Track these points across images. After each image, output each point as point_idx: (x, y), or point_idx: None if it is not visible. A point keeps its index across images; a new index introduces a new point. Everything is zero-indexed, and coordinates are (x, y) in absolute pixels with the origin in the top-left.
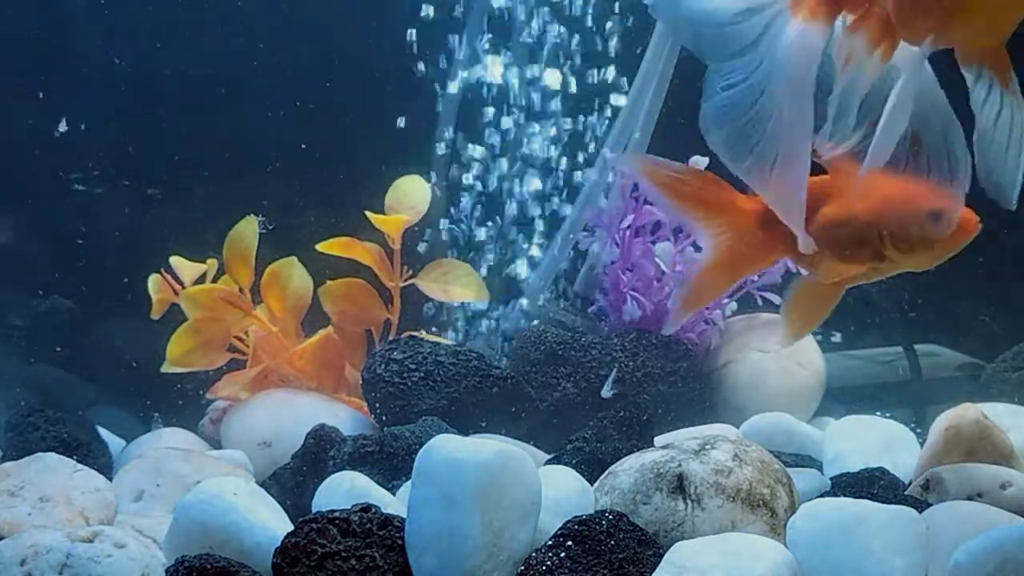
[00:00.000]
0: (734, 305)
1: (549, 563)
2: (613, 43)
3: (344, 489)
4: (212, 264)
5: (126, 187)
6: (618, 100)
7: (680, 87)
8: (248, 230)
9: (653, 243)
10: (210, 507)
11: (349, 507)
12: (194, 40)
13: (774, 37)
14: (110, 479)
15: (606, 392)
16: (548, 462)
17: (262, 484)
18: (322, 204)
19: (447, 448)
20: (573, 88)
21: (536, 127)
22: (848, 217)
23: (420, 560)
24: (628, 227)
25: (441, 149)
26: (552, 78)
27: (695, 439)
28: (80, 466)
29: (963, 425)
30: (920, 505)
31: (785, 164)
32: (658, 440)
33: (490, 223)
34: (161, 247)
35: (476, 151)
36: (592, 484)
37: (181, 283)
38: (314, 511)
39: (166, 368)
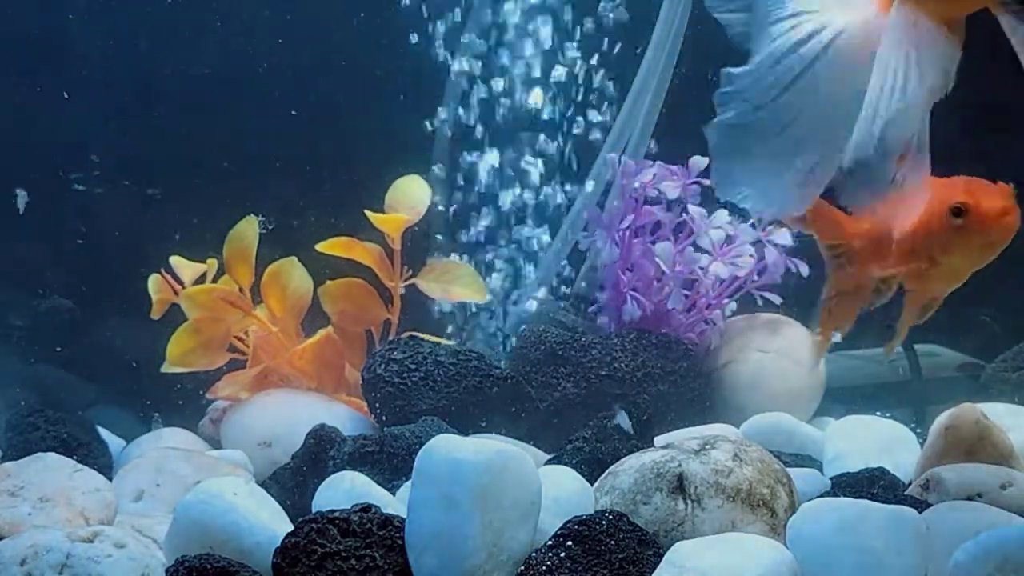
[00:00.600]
0: (734, 305)
1: (549, 563)
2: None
3: (344, 489)
4: (212, 264)
5: (126, 187)
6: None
7: (680, 87)
8: (248, 230)
9: (653, 243)
10: (210, 507)
11: (349, 507)
12: (194, 40)
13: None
14: (110, 479)
15: (624, 424)
16: (548, 462)
17: (262, 484)
18: (322, 204)
19: (447, 448)
20: (573, 86)
21: (537, 127)
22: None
23: (420, 560)
24: (628, 227)
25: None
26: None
27: (695, 439)
28: (80, 466)
29: (963, 425)
30: (920, 505)
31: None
32: (658, 440)
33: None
34: (161, 247)
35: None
36: (592, 484)
37: (181, 283)
38: (314, 511)
39: (166, 368)
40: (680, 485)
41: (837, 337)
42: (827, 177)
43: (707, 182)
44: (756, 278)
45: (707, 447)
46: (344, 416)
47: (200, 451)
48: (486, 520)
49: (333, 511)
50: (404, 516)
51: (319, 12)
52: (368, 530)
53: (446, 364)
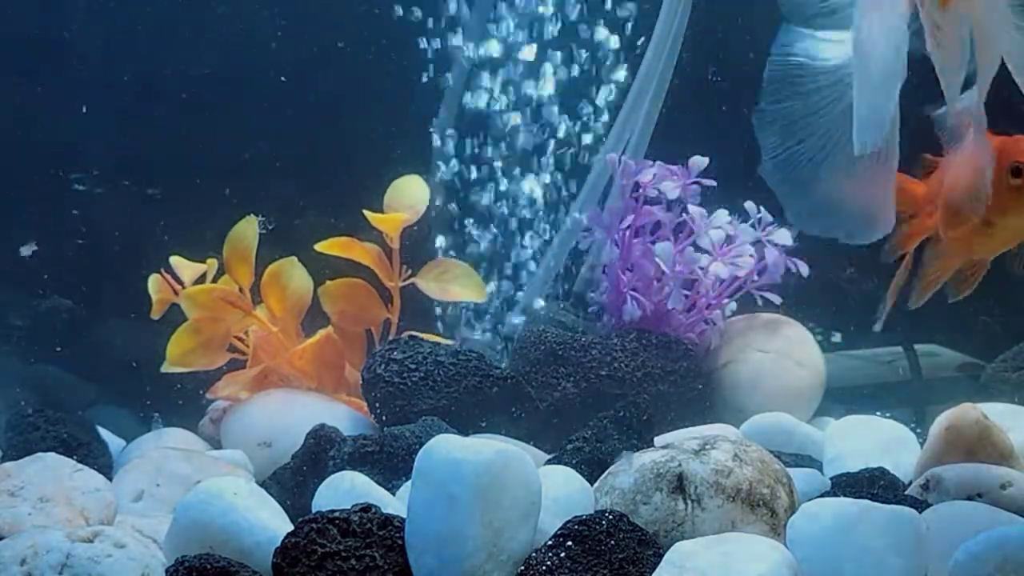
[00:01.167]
0: (734, 305)
1: (549, 563)
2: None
3: (344, 489)
4: (212, 264)
5: (126, 187)
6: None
7: (680, 86)
8: (248, 230)
9: (653, 243)
10: (210, 507)
11: (349, 507)
12: (194, 40)
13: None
14: (110, 479)
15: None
16: (548, 462)
17: (262, 484)
18: (322, 204)
19: (447, 448)
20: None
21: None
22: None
23: (420, 560)
24: (628, 227)
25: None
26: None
27: (695, 439)
28: (80, 466)
29: (963, 425)
30: (920, 505)
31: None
32: (658, 440)
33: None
34: (161, 247)
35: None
36: (592, 484)
37: (181, 283)
38: (314, 511)
39: (166, 368)
40: (680, 485)
41: (837, 337)
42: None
43: (708, 182)
44: (756, 278)
45: (707, 447)
46: (344, 416)
47: (200, 451)
48: (486, 520)
49: (333, 511)
50: (404, 516)
51: (319, 12)
52: (368, 530)
53: (446, 364)
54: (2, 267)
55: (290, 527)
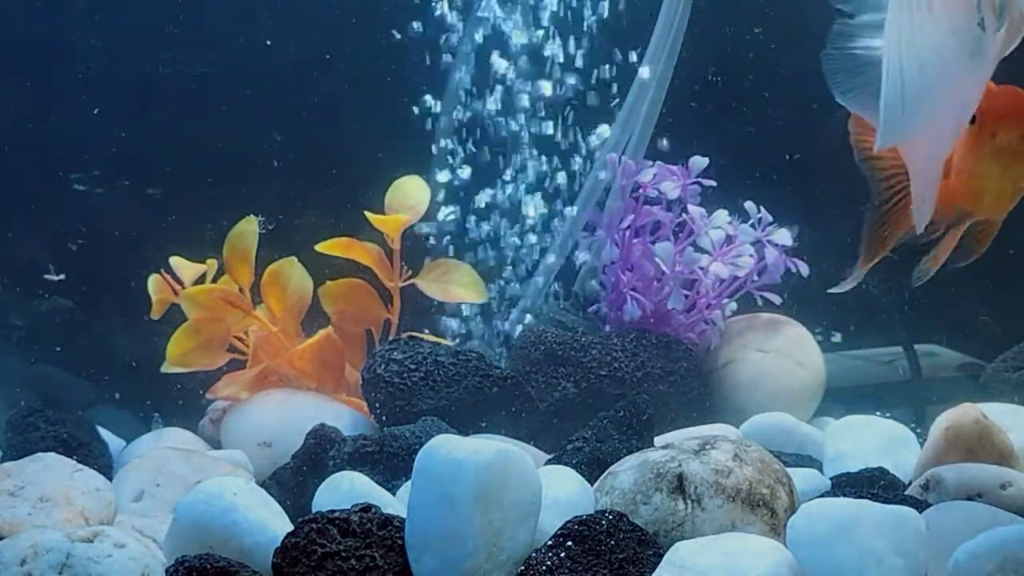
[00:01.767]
0: (734, 305)
1: (549, 563)
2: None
3: (344, 489)
4: (212, 264)
5: (126, 187)
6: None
7: (680, 86)
8: (248, 230)
9: (653, 243)
10: (210, 507)
11: (349, 507)
12: (194, 40)
13: None
14: (110, 479)
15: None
16: (548, 462)
17: (262, 484)
18: (322, 204)
19: (447, 448)
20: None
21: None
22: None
23: (420, 560)
24: (628, 227)
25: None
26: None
27: (695, 439)
28: (80, 466)
29: (963, 425)
30: (920, 505)
31: None
32: (658, 440)
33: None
34: (161, 247)
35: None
36: (592, 484)
37: (181, 283)
38: (314, 511)
39: (166, 368)
40: (680, 485)
41: (837, 337)
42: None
43: (708, 182)
44: (756, 278)
45: (707, 447)
46: (344, 416)
47: (200, 451)
48: (486, 520)
49: (333, 511)
50: (404, 516)
51: (320, 12)
52: (368, 530)
53: (446, 364)
54: (2, 267)
55: (290, 527)
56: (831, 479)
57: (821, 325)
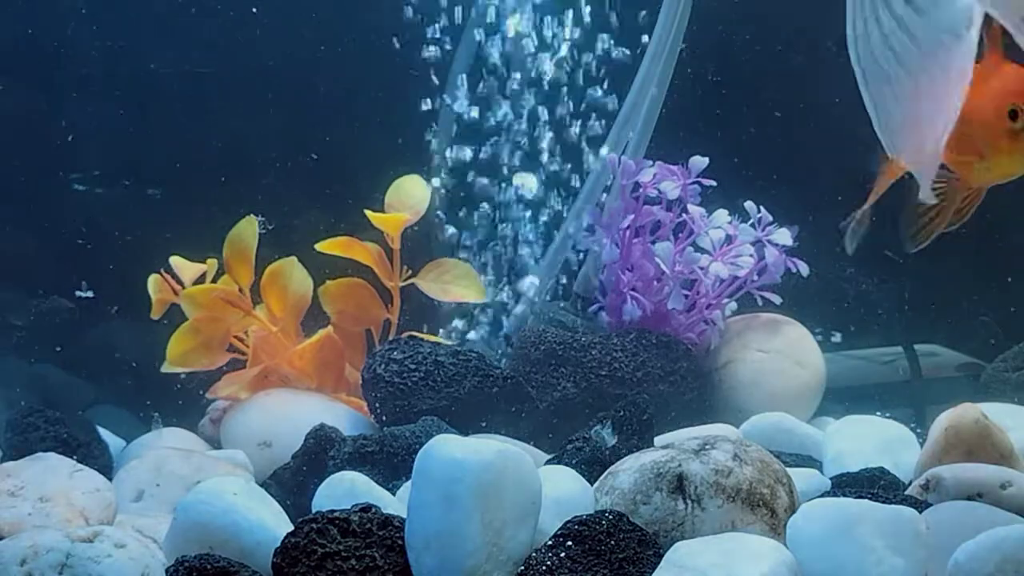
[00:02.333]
0: (734, 305)
1: (549, 563)
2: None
3: (344, 489)
4: (212, 264)
5: (126, 187)
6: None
7: (681, 86)
8: (248, 230)
9: (653, 243)
10: (210, 507)
11: (349, 507)
12: (194, 39)
13: None
14: (110, 479)
15: (606, 438)
16: (548, 462)
17: (262, 484)
18: (322, 204)
19: (447, 448)
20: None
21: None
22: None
23: (420, 560)
24: (628, 227)
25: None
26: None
27: (695, 439)
28: (80, 466)
29: (963, 425)
30: (920, 505)
31: None
32: (658, 440)
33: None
34: (161, 247)
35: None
36: (592, 484)
37: (181, 283)
38: (314, 511)
39: (166, 368)
40: (680, 485)
41: (837, 337)
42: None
43: (708, 182)
44: (756, 278)
45: (707, 447)
46: (344, 416)
47: (200, 451)
48: (486, 520)
49: (333, 511)
50: (404, 516)
51: (320, 11)
52: (368, 530)
53: (446, 364)
54: (2, 267)
55: (290, 527)
56: (831, 479)
57: (821, 325)
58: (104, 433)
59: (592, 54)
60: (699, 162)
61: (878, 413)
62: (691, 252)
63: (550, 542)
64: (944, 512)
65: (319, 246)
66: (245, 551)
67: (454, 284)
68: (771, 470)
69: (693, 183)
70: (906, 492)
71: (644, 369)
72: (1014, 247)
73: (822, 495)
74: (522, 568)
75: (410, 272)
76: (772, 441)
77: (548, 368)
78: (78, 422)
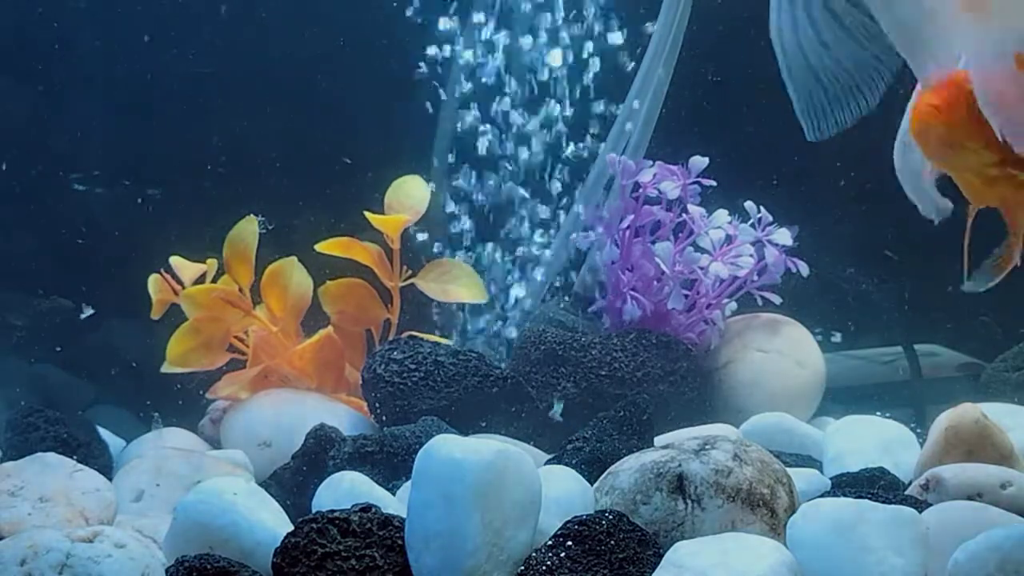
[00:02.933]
0: (734, 305)
1: (549, 563)
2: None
3: (344, 489)
4: (212, 264)
5: (126, 187)
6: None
7: (681, 86)
8: (248, 230)
9: (653, 243)
10: (210, 507)
11: (349, 507)
12: (194, 39)
13: None
14: (110, 479)
15: (555, 414)
16: (548, 462)
17: (262, 484)
18: (322, 204)
19: (447, 448)
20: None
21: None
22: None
23: (420, 560)
24: (628, 227)
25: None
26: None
27: (695, 439)
28: (80, 466)
29: (963, 425)
30: (920, 505)
31: None
32: (658, 440)
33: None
34: (161, 247)
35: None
36: (592, 484)
37: (181, 283)
38: (314, 511)
39: (166, 368)
40: (680, 485)
41: (837, 337)
42: None
43: (708, 182)
44: (756, 278)
45: (707, 447)
46: (344, 416)
47: (200, 451)
48: (486, 520)
49: (333, 511)
50: (404, 516)
51: (320, 11)
52: (368, 530)
53: (446, 364)
54: (2, 267)
55: (290, 527)
56: (831, 479)
57: (821, 325)
58: (104, 433)
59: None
60: (699, 162)
61: (878, 413)
62: (691, 252)
63: (550, 542)
64: (944, 512)
65: (319, 246)
66: (245, 551)
67: (454, 284)
68: (771, 470)
69: (693, 183)
70: (906, 492)
71: (644, 369)
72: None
73: (822, 495)
74: (522, 568)
75: (410, 272)
76: (772, 441)
77: (548, 368)
78: (78, 422)
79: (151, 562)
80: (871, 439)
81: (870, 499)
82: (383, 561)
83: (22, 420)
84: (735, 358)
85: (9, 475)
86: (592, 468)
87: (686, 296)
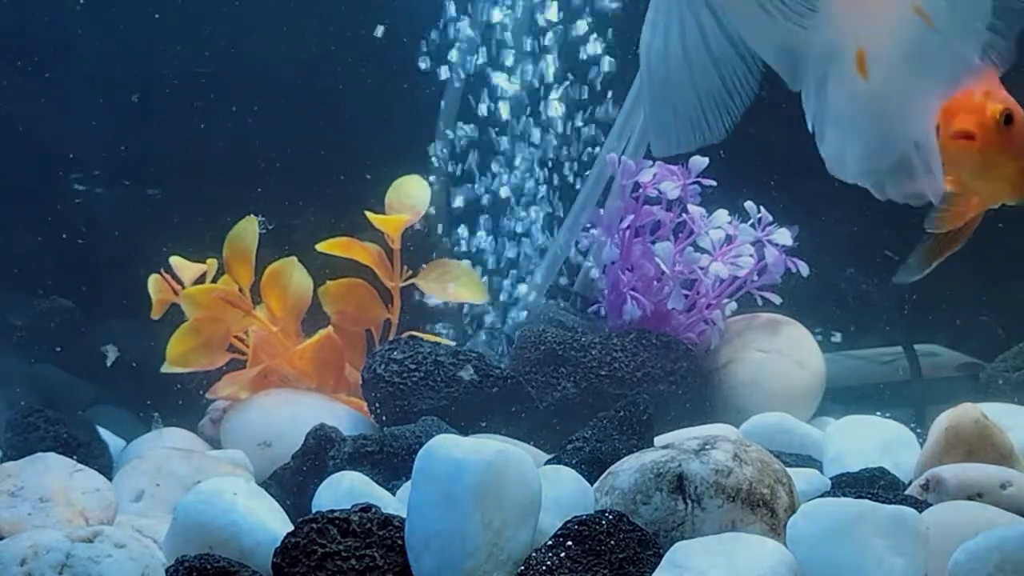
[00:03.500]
0: (734, 305)
1: (549, 563)
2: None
3: (344, 489)
4: (212, 264)
5: (126, 187)
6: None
7: None
8: (248, 230)
9: (653, 243)
10: (210, 507)
11: (349, 507)
12: (194, 39)
13: None
14: (110, 479)
15: (467, 375)
16: (548, 462)
17: (262, 484)
18: (322, 204)
19: (447, 448)
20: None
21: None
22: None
23: (420, 560)
24: (628, 227)
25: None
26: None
27: (695, 439)
28: (80, 466)
29: (963, 425)
30: (920, 505)
31: None
32: (658, 440)
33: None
34: (161, 247)
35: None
36: (592, 484)
37: (181, 283)
38: (314, 511)
39: (166, 368)
40: (680, 485)
41: (837, 337)
42: None
43: (708, 182)
44: (756, 278)
45: (707, 447)
46: (344, 416)
47: (200, 451)
48: (486, 520)
49: (333, 511)
50: (404, 516)
51: (320, 11)
52: (368, 530)
53: (446, 364)
54: (2, 267)
55: (290, 527)
56: (831, 479)
57: (821, 325)
58: (104, 433)
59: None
60: (699, 162)
61: (878, 413)
62: (691, 252)
63: (550, 542)
64: (944, 512)
65: (319, 246)
66: (245, 551)
67: (454, 284)
68: (771, 470)
69: (693, 183)
70: (906, 492)
71: (644, 369)
72: (1014, 247)
73: (822, 495)
74: (522, 568)
75: (410, 272)
76: (772, 441)
77: (548, 368)
78: (78, 422)
79: (151, 562)
80: (871, 439)
81: (870, 499)
82: (383, 561)
83: (22, 420)
84: (735, 358)
85: (9, 475)
86: (592, 468)
87: (686, 296)
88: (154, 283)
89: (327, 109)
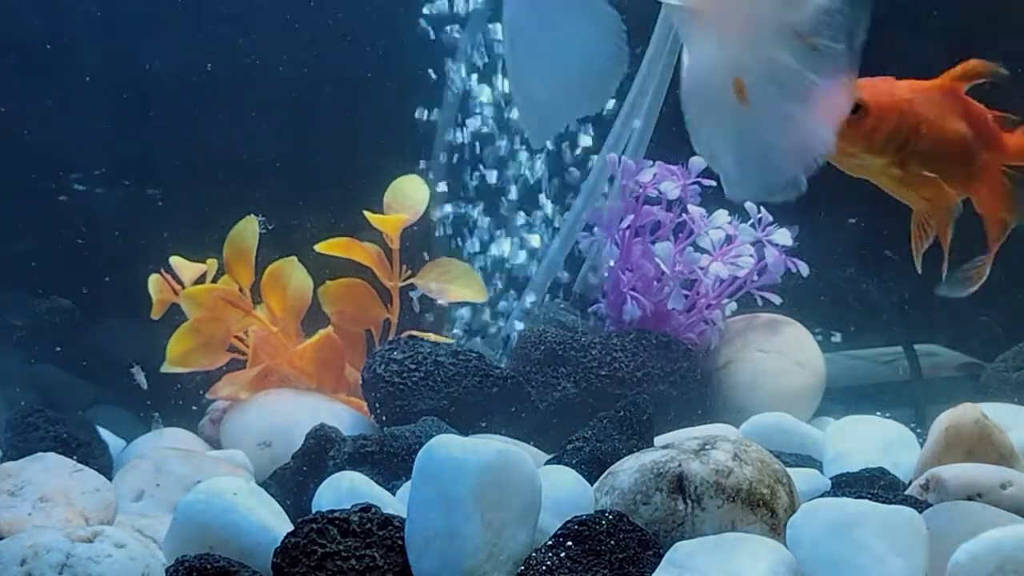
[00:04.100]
0: (734, 305)
1: (549, 563)
2: None
3: (344, 489)
4: (212, 264)
5: (126, 187)
6: None
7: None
8: (248, 230)
9: (653, 243)
10: (210, 507)
11: (349, 507)
12: (194, 39)
13: None
14: (110, 479)
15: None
16: (548, 462)
17: (262, 484)
18: (322, 204)
19: (447, 448)
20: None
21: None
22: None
23: (420, 560)
24: (628, 227)
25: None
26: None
27: (695, 439)
28: (80, 466)
29: (963, 425)
30: (920, 505)
31: None
32: (658, 440)
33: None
34: (161, 247)
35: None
36: (592, 484)
37: (181, 283)
38: (314, 511)
39: (166, 368)
40: (680, 485)
41: (837, 337)
42: None
43: (708, 182)
44: (756, 278)
45: (707, 447)
46: (344, 416)
47: (200, 451)
48: (486, 520)
49: (333, 511)
50: (404, 516)
51: (319, 12)
52: (368, 530)
53: (446, 364)
54: (2, 267)
55: (290, 527)
56: (831, 479)
57: (821, 325)
58: (104, 433)
59: None
60: (699, 162)
61: (878, 413)
62: (691, 252)
63: (550, 542)
64: (944, 512)
65: (319, 246)
66: (245, 551)
67: (453, 283)
68: (771, 470)
69: (693, 183)
70: (906, 492)
71: (644, 369)
72: (1014, 247)
73: (822, 495)
74: (522, 568)
75: (410, 272)
76: (772, 441)
77: (548, 368)
78: (78, 422)
79: (151, 562)
80: (871, 439)
81: (870, 499)
82: (383, 561)
83: (22, 420)
84: (735, 358)
85: (9, 475)
86: (592, 468)
87: (686, 296)
88: (154, 283)
89: (327, 109)
